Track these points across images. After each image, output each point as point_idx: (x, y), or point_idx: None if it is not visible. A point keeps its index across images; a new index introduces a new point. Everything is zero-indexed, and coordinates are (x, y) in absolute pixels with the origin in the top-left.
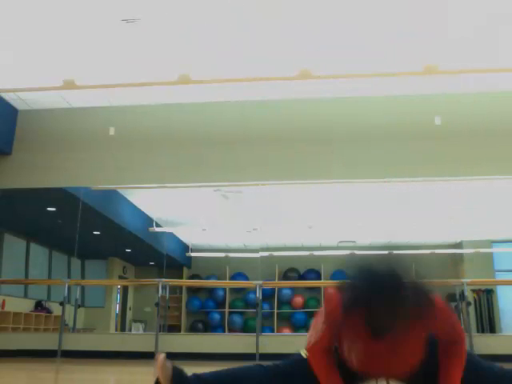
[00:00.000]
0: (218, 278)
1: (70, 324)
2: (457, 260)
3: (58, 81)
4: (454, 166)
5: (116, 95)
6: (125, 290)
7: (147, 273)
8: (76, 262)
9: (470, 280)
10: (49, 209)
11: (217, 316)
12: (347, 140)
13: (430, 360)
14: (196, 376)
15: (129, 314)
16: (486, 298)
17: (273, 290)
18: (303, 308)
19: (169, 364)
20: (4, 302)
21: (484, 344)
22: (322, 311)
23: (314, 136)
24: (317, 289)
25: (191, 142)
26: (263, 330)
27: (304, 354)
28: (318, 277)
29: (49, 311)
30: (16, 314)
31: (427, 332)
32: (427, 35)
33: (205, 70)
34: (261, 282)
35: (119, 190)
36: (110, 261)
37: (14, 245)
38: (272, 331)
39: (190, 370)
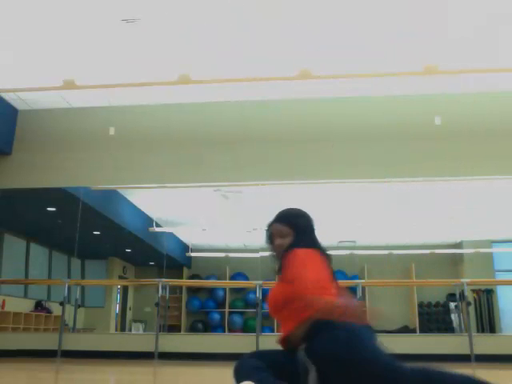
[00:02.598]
0: (218, 278)
1: (70, 324)
2: (457, 260)
3: (58, 81)
4: (454, 165)
5: (116, 95)
6: (125, 289)
7: (147, 273)
8: (76, 262)
9: (469, 280)
10: (49, 209)
11: (217, 316)
12: (347, 140)
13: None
14: None
15: (129, 314)
16: (486, 298)
17: None
18: None
19: None
20: (4, 301)
21: (484, 344)
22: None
23: (313, 136)
24: None
25: (191, 142)
26: (263, 329)
27: None
28: None
29: (49, 311)
30: (16, 314)
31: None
32: (427, 35)
33: (205, 70)
34: (261, 282)
35: (119, 190)
36: (110, 261)
37: (14, 245)
38: (272, 331)
39: (190, 370)
